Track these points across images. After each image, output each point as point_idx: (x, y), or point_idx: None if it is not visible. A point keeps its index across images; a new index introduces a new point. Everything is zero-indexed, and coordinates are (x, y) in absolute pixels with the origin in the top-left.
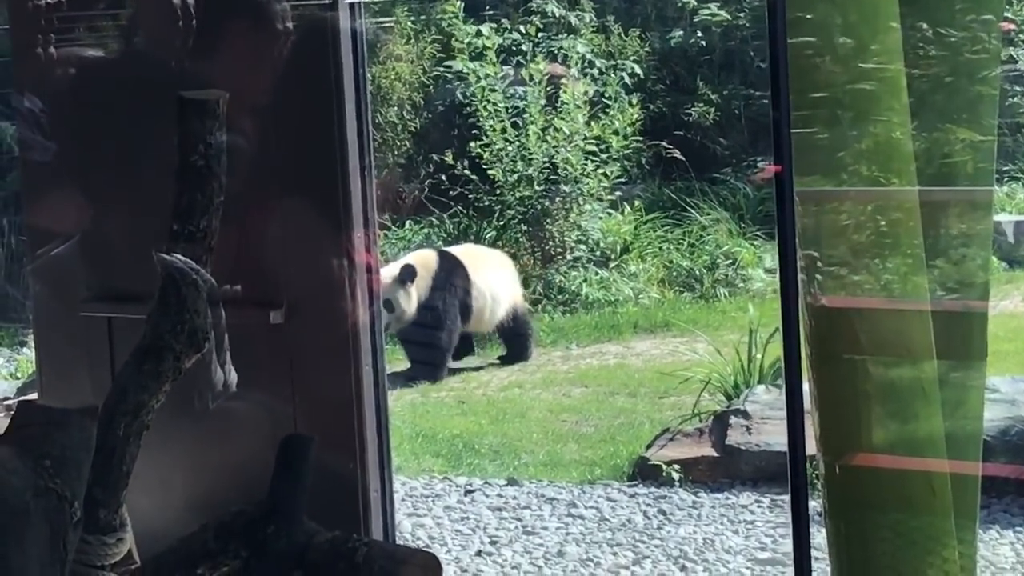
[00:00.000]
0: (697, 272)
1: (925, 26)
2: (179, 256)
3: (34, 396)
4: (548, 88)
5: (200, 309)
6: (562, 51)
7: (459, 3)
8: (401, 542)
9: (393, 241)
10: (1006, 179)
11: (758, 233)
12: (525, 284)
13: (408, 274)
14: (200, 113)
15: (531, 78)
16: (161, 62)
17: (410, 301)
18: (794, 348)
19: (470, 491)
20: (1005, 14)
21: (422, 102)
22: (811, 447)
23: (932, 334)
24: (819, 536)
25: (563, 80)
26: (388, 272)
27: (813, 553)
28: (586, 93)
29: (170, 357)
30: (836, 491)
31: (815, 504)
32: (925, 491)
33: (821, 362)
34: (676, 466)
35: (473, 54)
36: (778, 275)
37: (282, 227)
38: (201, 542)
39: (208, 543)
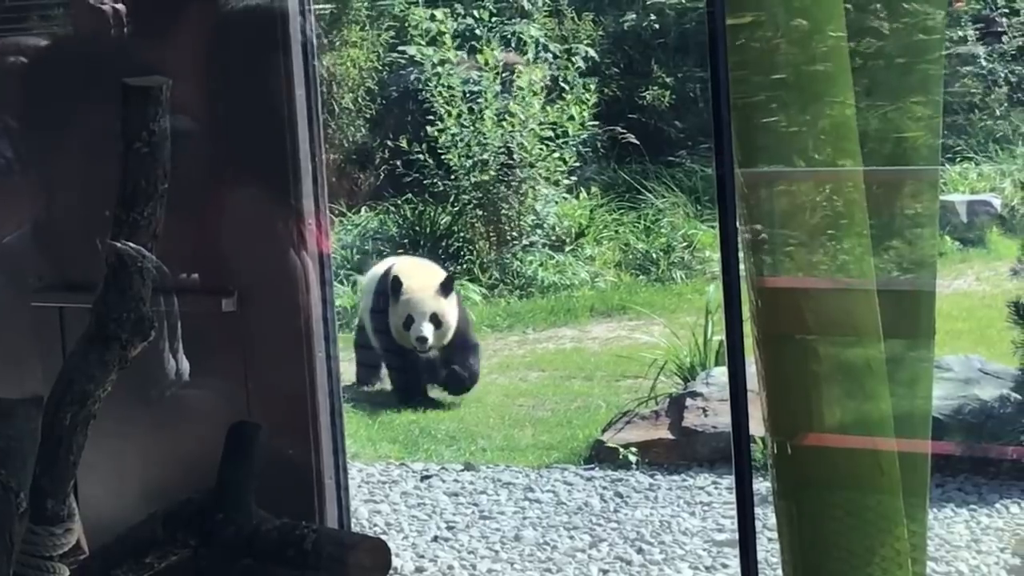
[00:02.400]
0: (653, 255)
1: (877, 6)
2: (126, 243)
3: None
4: (503, 74)
5: (146, 297)
6: (516, 35)
7: None
8: (357, 529)
9: (348, 228)
10: (958, 159)
11: (714, 215)
12: (481, 269)
13: (451, 285)
14: (143, 100)
15: (486, 63)
16: (105, 49)
17: (454, 315)
18: (737, 329)
19: (427, 477)
20: None
21: (376, 88)
22: (761, 428)
23: (879, 313)
24: (772, 517)
25: (518, 66)
26: (424, 282)
27: (766, 534)
28: (543, 79)
29: (116, 346)
30: (785, 471)
31: (767, 485)
32: (874, 470)
33: (768, 343)
34: (633, 449)
35: (427, 39)
36: (720, 257)
37: (233, 214)
38: (149, 531)
39: (156, 532)
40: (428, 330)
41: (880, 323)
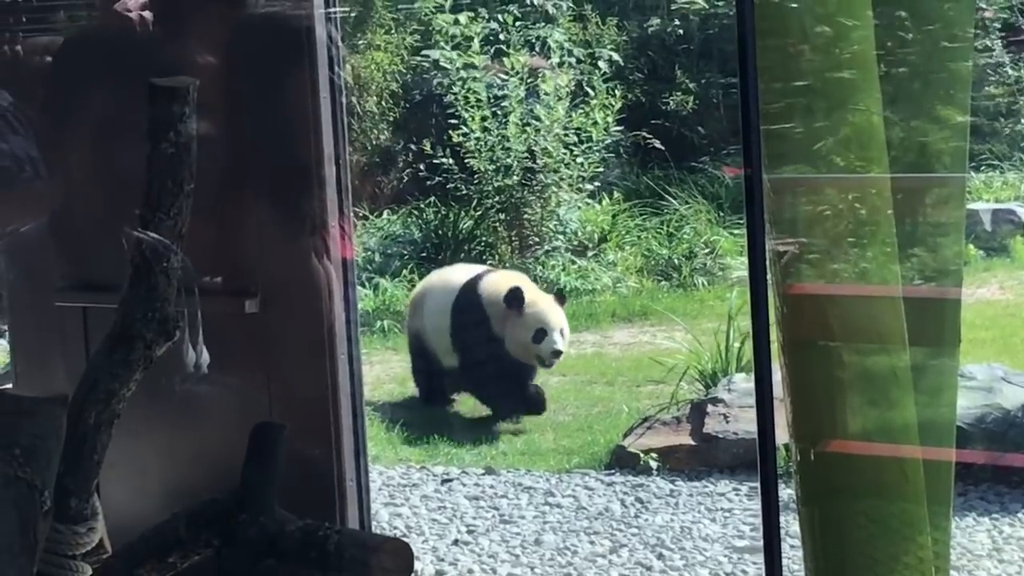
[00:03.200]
0: (675, 261)
1: (903, 14)
2: (154, 235)
3: (8, 386)
4: (528, 79)
5: (171, 297)
6: (540, 40)
7: None
8: (378, 531)
9: (371, 231)
10: (983, 167)
11: (737, 222)
12: None
13: (564, 297)
14: (170, 100)
15: (512, 68)
16: (133, 49)
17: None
18: (764, 336)
19: (447, 480)
20: (981, 4)
21: (401, 91)
22: (786, 435)
23: (904, 321)
24: (795, 524)
25: (542, 71)
26: (538, 294)
27: (789, 540)
28: (567, 83)
29: (141, 345)
30: (809, 478)
31: (790, 492)
32: (898, 478)
33: (793, 349)
34: (654, 454)
35: (452, 43)
36: (747, 263)
37: (257, 217)
38: (173, 531)
39: (180, 532)
40: (562, 343)
41: (905, 331)
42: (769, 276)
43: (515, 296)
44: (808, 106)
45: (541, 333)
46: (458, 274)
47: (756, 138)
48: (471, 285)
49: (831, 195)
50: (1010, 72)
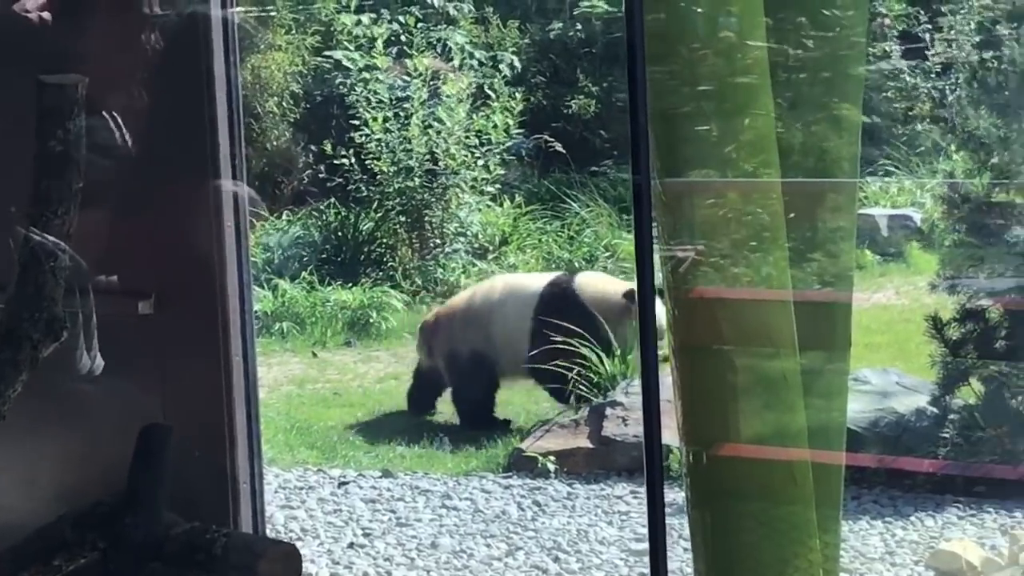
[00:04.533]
0: (576, 264)
1: (803, 20)
2: (43, 234)
3: None
4: (430, 81)
5: (58, 297)
6: (441, 42)
7: None
8: (273, 534)
9: (271, 232)
10: (880, 173)
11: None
12: (404, 275)
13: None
14: (59, 97)
15: (414, 69)
16: (22, 45)
17: None
18: (651, 340)
19: (344, 483)
20: (879, 9)
21: (302, 92)
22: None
23: (795, 325)
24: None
25: (444, 73)
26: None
27: (682, 543)
28: (469, 86)
29: (28, 346)
30: (700, 481)
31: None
32: (787, 481)
33: (684, 353)
34: (551, 457)
35: (354, 44)
36: (635, 268)
37: (151, 217)
38: (58, 533)
39: (65, 534)
40: None
41: (795, 335)
42: (662, 280)
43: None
44: (712, 110)
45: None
46: (523, 281)
47: (644, 144)
48: (560, 287)
49: (725, 199)
50: (907, 79)
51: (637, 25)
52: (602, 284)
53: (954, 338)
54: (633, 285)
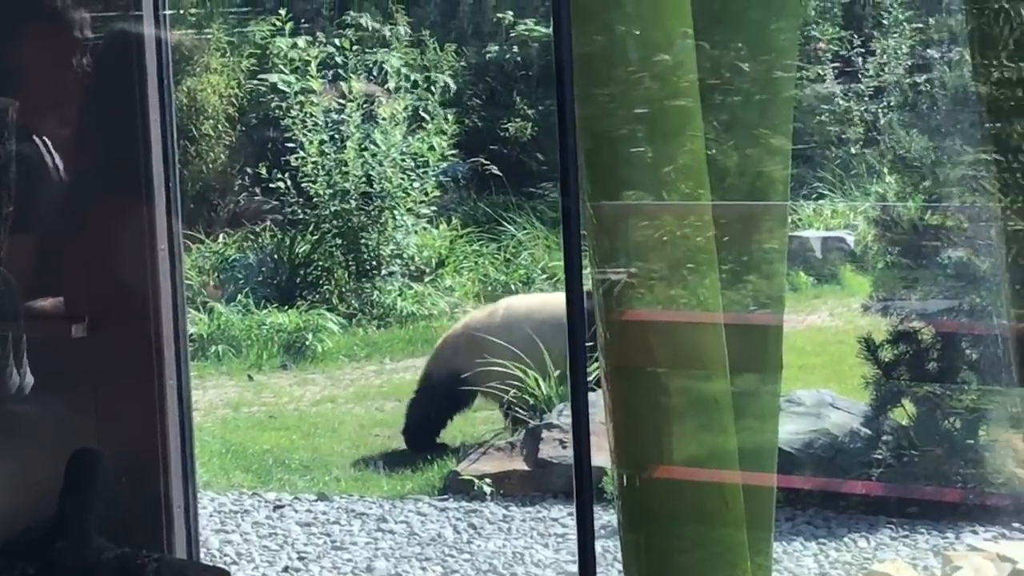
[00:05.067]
0: (513, 286)
1: (738, 43)
2: None
3: None
4: (365, 104)
5: None
6: (377, 64)
7: (282, 21)
8: (207, 559)
9: (206, 255)
10: (814, 195)
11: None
12: (340, 298)
13: None
14: None
15: (349, 92)
16: None
17: None
18: (581, 362)
19: (279, 506)
20: (814, 33)
21: (237, 115)
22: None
23: (725, 347)
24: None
25: (379, 96)
26: None
27: (616, 566)
28: (404, 109)
29: None
30: (632, 504)
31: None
32: (719, 503)
33: (616, 375)
34: (487, 480)
35: (289, 67)
36: (565, 290)
37: (85, 239)
38: None
39: None
40: None
41: (727, 357)
42: (594, 302)
43: None
44: (647, 133)
45: None
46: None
47: (573, 166)
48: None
49: (656, 221)
50: (841, 102)
51: (565, 49)
52: None
53: (887, 359)
54: None
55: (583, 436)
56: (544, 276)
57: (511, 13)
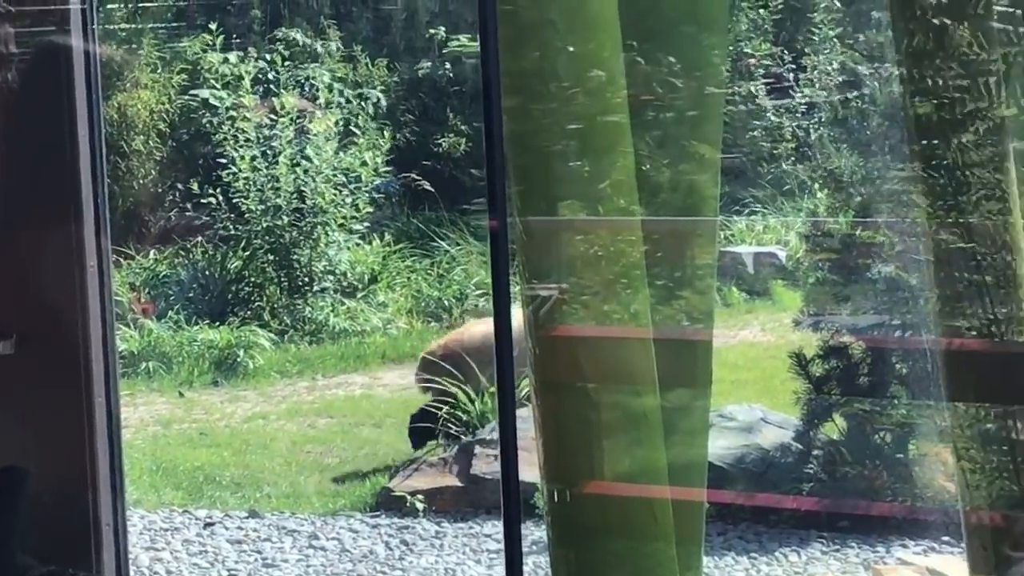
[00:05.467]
0: (446, 302)
1: (672, 59)
2: None
3: None
4: (297, 119)
5: None
6: (308, 80)
7: (213, 36)
8: None
9: (137, 271)
10: (746, 211)
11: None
12: (272, 314)
13: None
14: None
15: (281, 107)
16: None
17: None
18: (508, 378)
19: (210, 524)
20: (745, 49)
21: (168, 130)
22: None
23: (655, 363)
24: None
25: (311, 111)
26: None
27: None
28: (337, 124)
29: None
30: (561, 520)
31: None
32: (648, 519)
33: (546, 391)
34: (420, 496)
35: (221, 82)
36: (492, 306)
37: (12, 255)
38: None
39: None
40: None
41: (656, 373)
42: (524, 318)
43: None
44: (581, 149)
45: None
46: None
47: (501, 183)
48: None
49: (586, 237)
50: (772, 118)
51: (492, 65)
52: None
53: (818, 374)
54: None
55: (511, 452)
56: (478, 292)
57: (444, 29)
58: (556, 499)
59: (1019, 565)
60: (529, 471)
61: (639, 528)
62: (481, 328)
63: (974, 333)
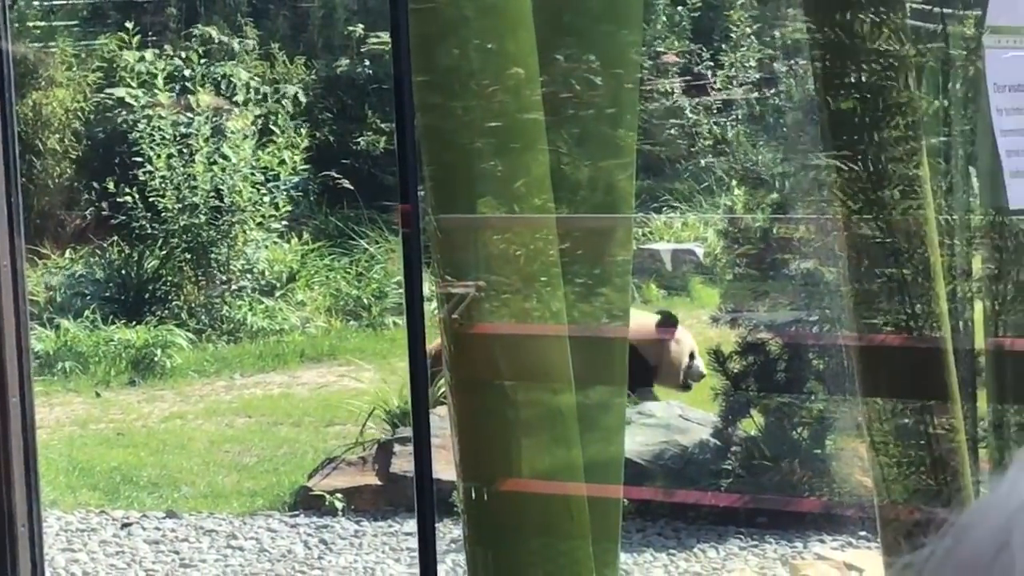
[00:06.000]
0: (365, 300)
1: (592, 58)
2: None
3: None
4: (214, 117)
5: None
6: (226, 77)
7: (128, 34)
8: None
9: (53, 271)
10: (664, 208)
11: (427, 260)
12: (189, 313)
13: None
14: None
15: (198, 104)
16: None
17: None
18: (421, 377)
19: (127, 524)
20: (662, 48)
21: (84, 129)
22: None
23: (570, 360)
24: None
25: (228, 109)
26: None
27: None
28: (254, 123)
29: None
30: (478, 517)
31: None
32: (564, 516)
33: (461, 389)
34: (339, 495)
35: (137, 80)
36: (404, 303)
37: None
38: None
39: None
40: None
41: (571, 370)
42: (439, 316)
43: (668, 320)
44: (498, 147)
45: (692, 355)
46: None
47: (413, 180)
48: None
49: (502, 235)
50: (690, 115)
51: (404, 61)
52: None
53: (736, 371)
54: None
55: (424, 450)
56: (399, 290)
57: (362, 26)
58: (473, 497)
59: (915, 553)
60: (448, 469)
61: (555, 526)
62: None
63: (890, 328)
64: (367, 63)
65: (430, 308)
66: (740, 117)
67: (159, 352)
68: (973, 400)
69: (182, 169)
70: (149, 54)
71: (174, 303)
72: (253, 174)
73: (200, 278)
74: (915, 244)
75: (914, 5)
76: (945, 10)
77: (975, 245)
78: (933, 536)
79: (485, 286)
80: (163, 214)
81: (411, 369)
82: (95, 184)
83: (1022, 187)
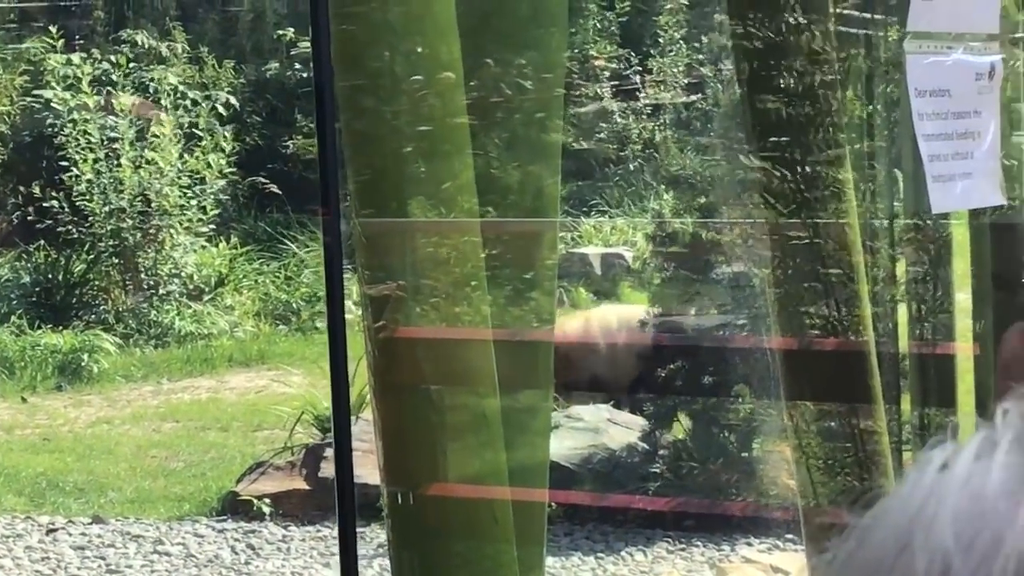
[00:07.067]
0: (294, 305)
1: (522, 61)
2: None
3: None
4: (140, 121)
5: None
6: (153, 82)
7: (55, 37)
8: None
9: None
10: (594, 212)
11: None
12: (116, 318)
13: None
14: None
15: (122, 110)
16: None
17: None
18: (342, 380)
19: (52, 530)
20: (591, 52)
21: (10, 132)
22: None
23: (495, 364)
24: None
25: (155, 113)
26: None
27: None
28: (181, 126)
29: None
30: (402, 522)
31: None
32: (488, 520)
33: (384, 393)
34: (267, 500)
35: (64, 84)
36: (326, 309)
37: None
38: None
39: None
40: None
41: (496, 374)
42: (361, 320)
43: None
44: (429, 150)
45: None
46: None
47: (334, 181)
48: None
49: (425, 239)
50: (619, 120)
51: (325, 63)
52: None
53: (663, 374)
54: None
55: (345, 455)
56: None
57: (292, 30)
58: (398, 501)
59: (833, 548)
60: (376, 473)
61: (480, 529)
62: None
63: (815, 331)
64: (297, 67)
65: (359, 312)
66: (668, 121)
67: (86, 357)
68: (897, 402)
69: (109, 173)
70: (76, 58)
71: (101, 308)
72: (180, 178)
73: (127, 282)
74: (840, 247)
75: (840, 10)
76: (870, 16)
77: (899, 249)
78: (836, 539)
79: (406, 286)
80: (90, 218)
81: (332, 374)
82: (21, 188)
83: (944, 191)
